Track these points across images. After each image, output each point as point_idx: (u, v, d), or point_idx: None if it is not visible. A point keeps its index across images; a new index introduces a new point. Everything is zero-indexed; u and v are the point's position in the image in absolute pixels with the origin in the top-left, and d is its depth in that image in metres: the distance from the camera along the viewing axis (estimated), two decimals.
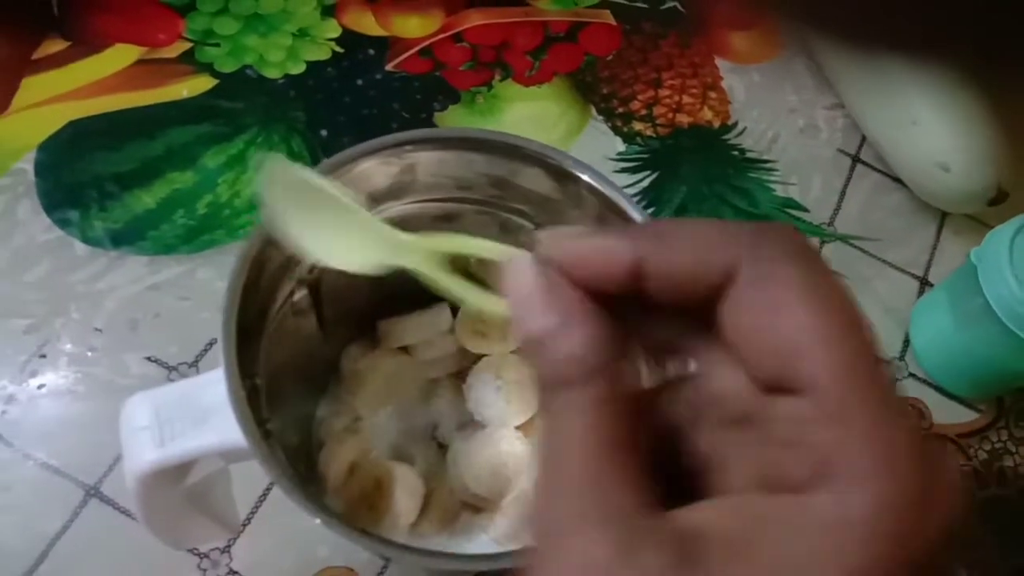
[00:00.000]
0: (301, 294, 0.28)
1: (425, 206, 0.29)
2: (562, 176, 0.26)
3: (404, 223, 0.30)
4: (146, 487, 0.23)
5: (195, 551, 0.35)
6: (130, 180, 0.43)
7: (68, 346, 0.39)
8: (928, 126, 0.46)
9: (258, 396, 0.24)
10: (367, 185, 0.27)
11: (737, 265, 0.15)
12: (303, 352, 0.30)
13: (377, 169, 0.26)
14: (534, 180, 0.27)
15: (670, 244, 0.16)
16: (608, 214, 0.26)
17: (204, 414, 0.23)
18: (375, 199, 0.28)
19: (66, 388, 0.39)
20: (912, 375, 0.45)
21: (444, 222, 0.30)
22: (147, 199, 0.43)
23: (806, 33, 0.53)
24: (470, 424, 0.34)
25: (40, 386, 0.39)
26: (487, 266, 0.27)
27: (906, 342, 0.45)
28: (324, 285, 0.30)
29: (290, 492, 0.22)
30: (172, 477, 0.24)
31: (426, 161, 0.27)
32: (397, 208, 0.29)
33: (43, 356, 0.39)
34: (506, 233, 0.30)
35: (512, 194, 0.28)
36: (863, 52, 0.49)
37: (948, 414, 0.44)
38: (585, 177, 0.26)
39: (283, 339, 0.27)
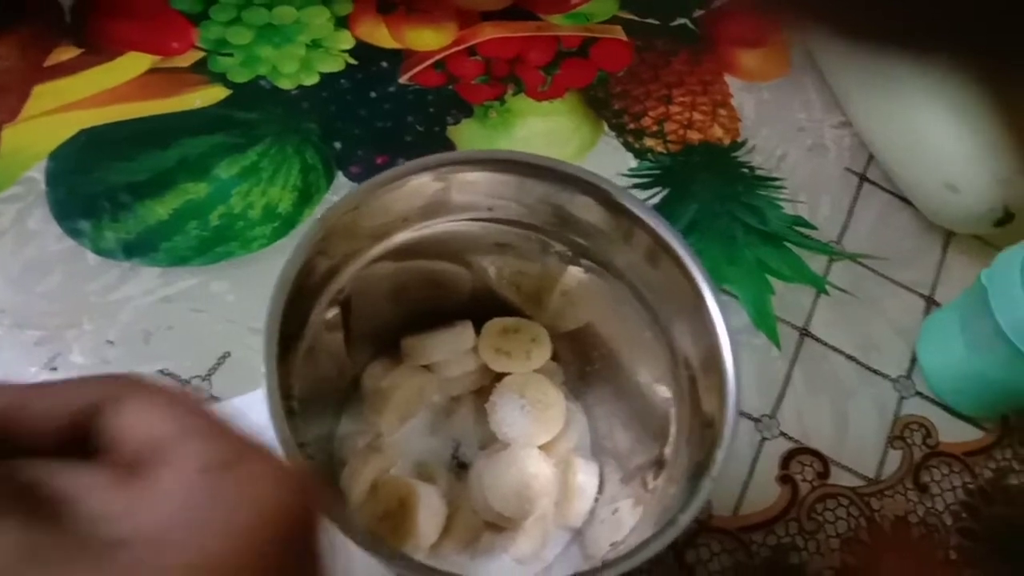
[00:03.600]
0: (333, 312, 0.28)
1: (461, 225, 0.29)
2: (613, 208, 0.26)
3: (443, 241, 0.30)
4: None
5: None
6: (143, 190, 0.43)
7: (80, 359, 0.39)
8: (936, 146, 0.46)
9: (294, 418, 0.24)
10: (410, 202, 0.27)
11: (103, 399, 0.18)
12: (330, 370, 0.30)
13: (425, 186, 0.26)
14: (585, 209, 0.27)
15: (36, 394, 0.19)
16: (659, 251, 0.26)
17: None
18: (413, 216, 0.28)
19: None
20: (919, 393, 0.45)
21: (481, 243, 0.30)
22: (160, 210, 0.42)
23: (815, 39, 0.53)
24: (492, 443, 0.34)
25: None
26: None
27: (913, 360, 0.46)
28: (353, 303, 0.30)
29: (334, 520, 0.22)
30: None
31: (474, 181, 0.27)
32: (437, 226, 0.29)
33: (54, 369, 0.39)
34: (543, 254, 0.30)
35: (560, 220, 0.28)
36: (873, 53, 0.49)
37: (954, 432, 0.44)
38: (636, 210, 0.26)
39: (314, 358, 0.27)
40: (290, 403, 0.24)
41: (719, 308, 0.25)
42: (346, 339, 0.31)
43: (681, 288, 0.26)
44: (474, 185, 0.27)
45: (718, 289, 0.25)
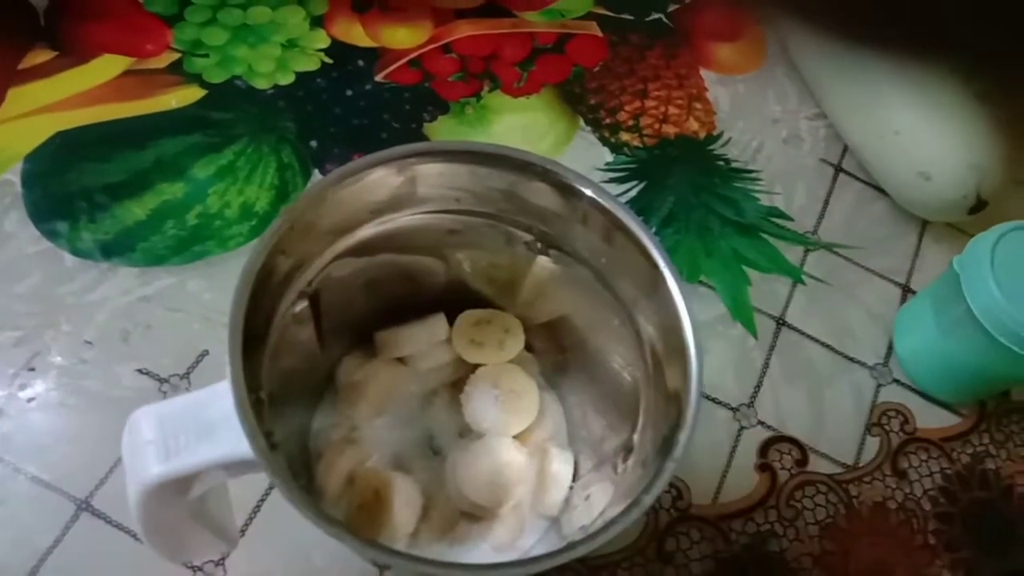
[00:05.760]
0: (301, 306, 0.29)
1: (430, 217, 0.29)
2: (568, 192, 0.27)
3: (413, 234, 0.30)
4: (150, 501, 0.23)
5: (190, 564, 0.35)
6: (119, 191, 0.43)
7: (58, 359, 0.39)
8: (909, 136, 0.47)
9: (262, 408, 0.24)
10: (373, 195, 0.27)
11: None
12: (302, 363, 0.30)
13: (385, 180, 0.27)
14: (541, 195, 0.27)
15: None
16: (614, 232, 0.26)
17: (210, 427, 0.23)
18: (379, 209, 0.28)
19: (57, 401, 0.38)
20: (896, 381, 0.45)
21: (451, 235, 0.30)
22: (137, 210, 0.42)
23: (788, 33, 0.54)
24: (467, 433, 0.34)
25: (30, 399, 0.38)
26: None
27: (890, 348, 0.46)
28: (323, 297, 0.30)
29: (299, 505, 0.22)
30: (176, 491, 0.23)
31: (434, 172, 0.27)
32: (403, 219, 0.29)
33: (32, 369, 0.39)
34: (511, 245, 0.31)
35: (520, 208, 0.29)
36: (846, 49, 0.50)
37: (931, 418, 0.45)
38: (590, 193, 0.26)
39: (284, 351, 0.28)
40: (258, 394, 0.24)
41: (676, 282, 0.25)
42: (318, 333, 0.31)
43: (639, 266, 0.26)
44: (436, 177, 0.27)
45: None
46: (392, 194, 0.28)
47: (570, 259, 0.30)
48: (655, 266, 0.25)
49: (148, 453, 0.23)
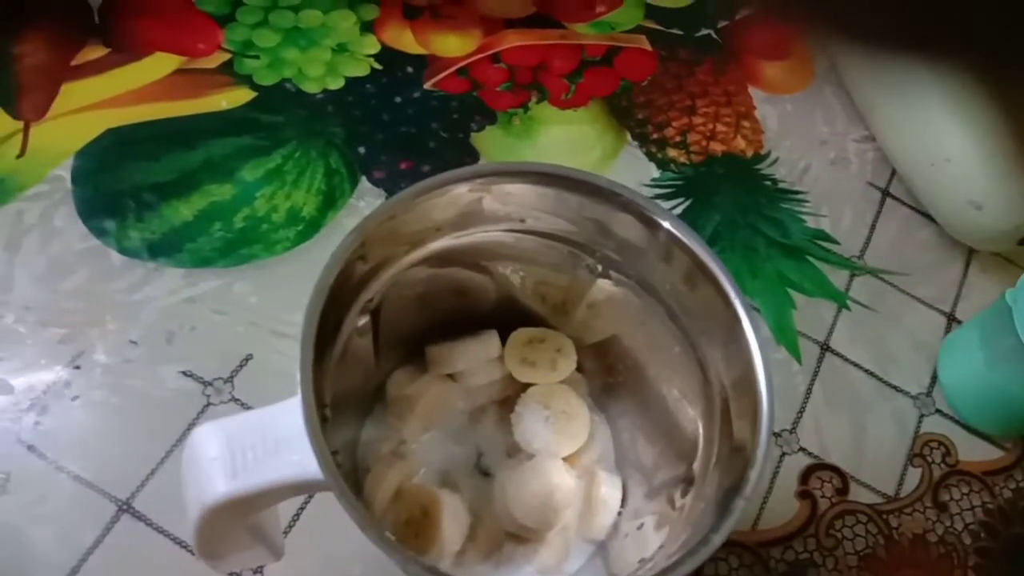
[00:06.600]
0: (363, 321, 0.28)
1: (494, 235, 0.29)
2: (649, 224, 0.26)
3: (475, 250, 0.30)
4: (214, 519, 0.23)
5: (228, 572, 0.35)
6: (168, 191, 0.43)
7: (103, 357, 0.39)
8: (961, 164, 0.46)
9: (327, 426, 0.24)
10: (443, 212, 0.27)
11: None
12: (357, 376, 0.30)
13: (460, 197, 0.26)
14: (623, 225, 0.27)
15: None
16: (696, 273, 0.26)
17: (277, 445, 0.23)
18: (444, 226, 0.28)
19: (100, 400, 0.38)
20: (939, 411, 0.45)
21: (512, 253, 0.30)
22: (184, 211, 0.42)
23: (838, 54, 0.53)
24: (515, 453, 0.34)
25: (74, 397, 0.38)
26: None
27: (933, 377, 0.46)
28: (383, 310, 0.30)
29: (366, 527, 0.22)
30: (239, 509, 0.23)
31: (509, 192, 0.27)
32: (468, 236, 0.29)
33: (77, 367, 0.39)
34: (573, 266, 0.30)
35: (593, 233, 0.28)
36: (898, 72, 0.49)
37: (974, 451, 0.44)
38: (667, 225, 0.26)
39: (344, 366, 0.27)
40: (323, 411, 0.24)
41: (755, 332, 0.25)
42: (375, 347, 0.31)
43: (717, 310, 0.26)
44: (511, 196, 0.27)
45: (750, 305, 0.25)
46: (461, 211, 0.28)
47: (634, 284, 0.30)
48: (733, 311, 0.25)
49: (214, 470, 0.22)
